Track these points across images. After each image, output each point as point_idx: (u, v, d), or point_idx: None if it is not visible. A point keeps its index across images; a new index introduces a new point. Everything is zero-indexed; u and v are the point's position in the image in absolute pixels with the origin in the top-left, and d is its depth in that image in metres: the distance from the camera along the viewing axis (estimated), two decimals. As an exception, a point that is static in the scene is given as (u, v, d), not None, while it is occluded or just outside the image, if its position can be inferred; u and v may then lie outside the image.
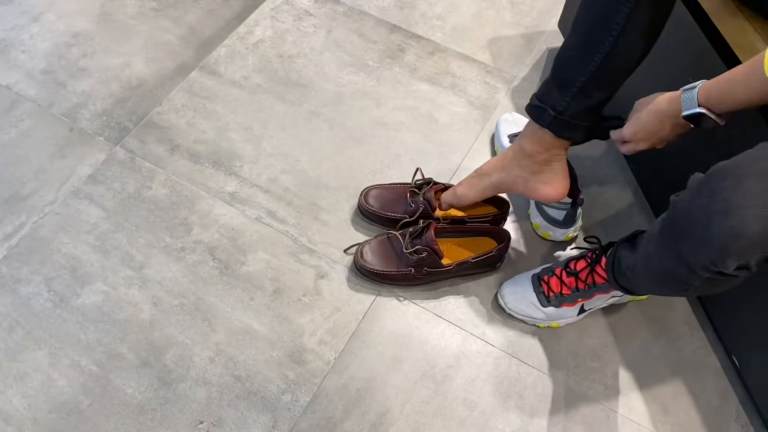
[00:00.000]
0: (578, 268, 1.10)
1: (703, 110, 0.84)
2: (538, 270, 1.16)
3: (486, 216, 1.20)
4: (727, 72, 0.83)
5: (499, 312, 1.17)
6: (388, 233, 1.20)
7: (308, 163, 1.32)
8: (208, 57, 1.46)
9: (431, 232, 1.15)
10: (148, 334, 1.11)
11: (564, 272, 1.11)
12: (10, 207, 1.22)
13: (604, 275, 1.07)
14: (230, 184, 1.29)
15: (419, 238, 1.16)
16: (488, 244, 1.21)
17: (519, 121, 1.32)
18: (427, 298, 1.18)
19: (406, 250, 1.14)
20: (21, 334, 1.10)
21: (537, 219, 1.25)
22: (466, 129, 1.39)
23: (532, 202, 1.27)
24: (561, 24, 1.48)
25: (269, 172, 1.31)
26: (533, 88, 1.47)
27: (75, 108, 1.36)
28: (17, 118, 1.34)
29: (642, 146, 0.97)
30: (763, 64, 0.77)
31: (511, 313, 1.16)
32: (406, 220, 1.19)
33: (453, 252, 1.20)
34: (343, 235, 1.24)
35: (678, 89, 0.88)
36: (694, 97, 0.85)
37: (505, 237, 1.19)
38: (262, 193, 1.28)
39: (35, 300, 1.13)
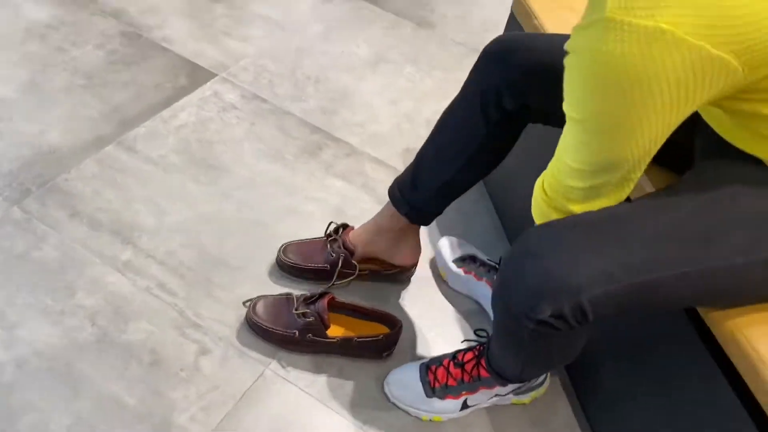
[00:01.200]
0: (465, 359, 1.10)
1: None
2: (427, 359, 1.15)
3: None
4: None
5: (384, 401, 1.14)
6: (288, 294, 1.20)
7: (210, 239, 1.32)
8: (127, 133, 1.49)
9: (324, 301, 1.15)
10: (6, 397, 1.03)
11: (452, 363, 1.11)
12: None
13: (489, 368, 1.07)
14: (125, 252, 1.26)
15: (312, 305, 1.16)
16: (380, 330, 1.21)
17: (458, 246, 1.34)
18: (313, 382, 1.15)
19: (295, 311, 1.15)
20: None
21: None
22: (372, 224, 1.42)
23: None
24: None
25: (168, 245, 1.29)
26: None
27: (-21, 166, 1.35)
28: None
29: None
30: None
31: (395, 402, 1.13)
32: (327, 269, 1.25)
33: (342, 328, 1.20)
34: (234, 313, 1.21)
35: None
36: None
37: (396, 325, 1.19)
38: (157, 265, 1.26)
39: None
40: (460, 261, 1.31)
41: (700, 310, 0.88)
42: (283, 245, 1.29)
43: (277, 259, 1.29)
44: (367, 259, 1.26)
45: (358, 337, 1.16)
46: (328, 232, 1.28)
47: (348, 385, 1.16)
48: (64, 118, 1.49)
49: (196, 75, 1.68)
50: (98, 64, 1.64)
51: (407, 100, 1.77)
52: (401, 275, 1.31)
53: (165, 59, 1.70)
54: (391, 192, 1.19)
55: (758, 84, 0.70)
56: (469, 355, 1.10)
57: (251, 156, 1.51)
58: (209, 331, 1.18)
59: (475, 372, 1.09)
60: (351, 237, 1.25)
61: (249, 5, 1.95)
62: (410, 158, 1.61)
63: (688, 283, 0.78)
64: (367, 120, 1.68)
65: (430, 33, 2.03)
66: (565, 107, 0.77)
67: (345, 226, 1.28)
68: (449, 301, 1.32)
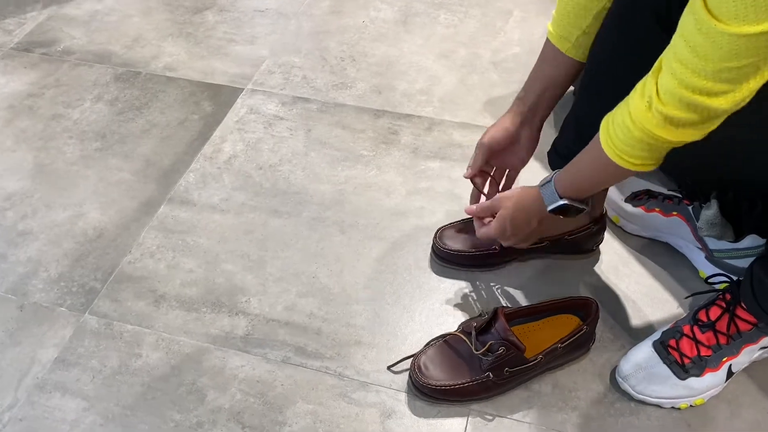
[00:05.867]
0: (712, 317, 0.86)
1: (566, 201, 0.84)
2: (657, 335, 0.92)
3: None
4: (573, 160, 0.82)
5: (625, 400, 0.91)
6: (444, 337, 0.95)
7: (327, 277, 1.07)
8: (175, 186, 1.23)
9: (502, 320, 0.90)
10: None
11: (696, 328, 0.87)
12: (-46, 426, 0.91)
13: (751, 318, 0.84)
14: (239, 326, 1.01)
15: (488, 333, 0.92)
16: (572, 322, 0.98)
17: (624, 182, 1.11)
18: (530, 408, 0.91)
19: (477, 351, 0.90)
20: None
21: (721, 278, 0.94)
22: (497, 197, 1.18)
23: (699, 259, 1.03)
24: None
25: (284, 299, 1.05)
26: (551, 138, 1.29)
27: (22, 280, 1.08)
28: (-51, 310, 1.05)
29: (513, 243, 0.95)
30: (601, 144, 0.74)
31: (642, 398, 0.90)
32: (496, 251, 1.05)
33: (533, 340, 0.95)
34: (396, 353, 0.97)
35: None
36: (552, 190, 0.85)
37: (592, 308, 0.96)
38: (282, 328, 1.01)
39: None
40: (635, 199, 1.07)
41: None
42: (437, 230, 1.09)
43: (433, 246, 1.09)
44: None
45: (561, 342, 0.92)
46: None
47: (573, 399, 0.92)
48: (95, 192, 1.22)
49: (220, 96, 1.41)
50: (105, 119, 1.36)
51: (458, 49, 1.52)
52: (587, 237, 1.05)
53: (176, 90, 1.43)
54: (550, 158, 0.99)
55: None
56: (715, 311, 0.87)
57: (324, 166, 1.26)
58: (380, 386, 0.94)
59: (732, 329, 0.86)
60: None
61: (238, 3, 1.68)
62: (496, 111, 1.37)
63: None
64: (428, 85, 1.43)
65: (446, -29, 1.77)
66: None
67: None
68: (632, 251, 1.09)
